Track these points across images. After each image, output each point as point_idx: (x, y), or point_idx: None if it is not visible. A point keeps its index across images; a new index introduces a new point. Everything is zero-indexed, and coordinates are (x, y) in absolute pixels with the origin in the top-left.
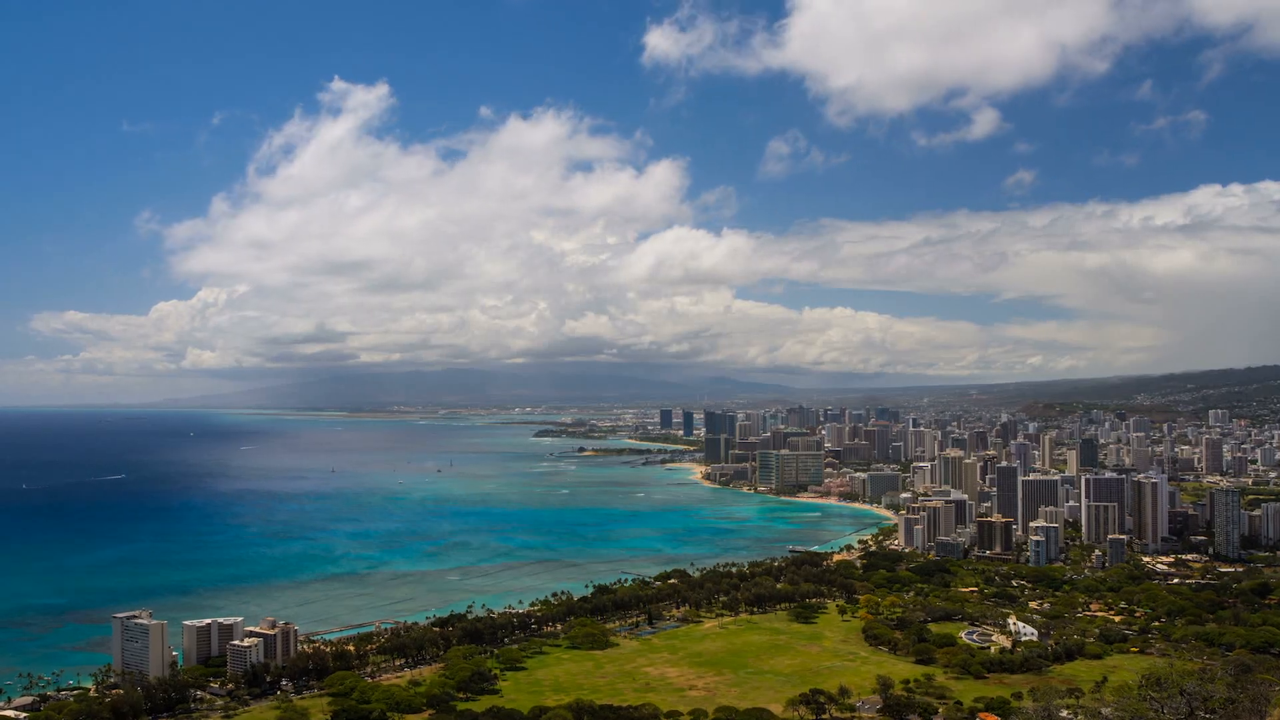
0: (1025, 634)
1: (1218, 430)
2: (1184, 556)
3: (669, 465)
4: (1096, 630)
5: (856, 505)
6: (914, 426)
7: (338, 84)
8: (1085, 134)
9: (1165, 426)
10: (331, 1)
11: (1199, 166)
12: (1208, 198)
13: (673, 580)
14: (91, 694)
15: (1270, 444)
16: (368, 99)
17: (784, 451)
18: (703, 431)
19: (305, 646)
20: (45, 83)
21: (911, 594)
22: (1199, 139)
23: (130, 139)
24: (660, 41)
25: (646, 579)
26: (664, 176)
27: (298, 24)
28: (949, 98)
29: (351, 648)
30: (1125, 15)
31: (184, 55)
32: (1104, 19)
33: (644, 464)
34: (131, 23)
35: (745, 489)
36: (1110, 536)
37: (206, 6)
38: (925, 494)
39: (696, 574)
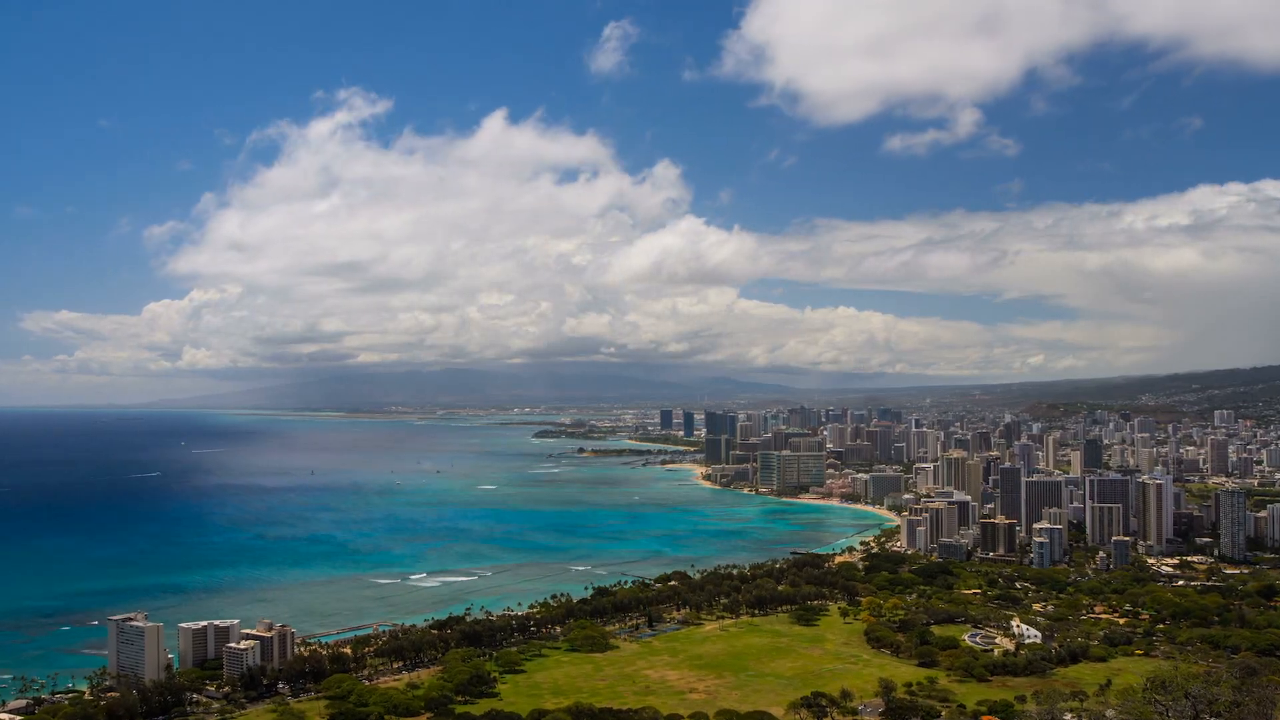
0: (1029, 636)
1: (1223, 431)
2: (1189, 558)
3: (669, 466)
4: (1101, 633)
5: (858, 506)
6: (916, 427)
7: (329, 85)
8: (1074, 136)
9: (1170, 427)
10: (324, 4)
11: (1196, 166)
12: (1210, 197)
13: (673, 582)
14: (86, 697)
15: (1277, 444)
16: (360, 101)
17: (785, 452)
18: (703, 432)
19: (302, 649)
20: (31, 79)
21: (914, 596)
22: (1191, 139)
23: (121, 137)
24: (639, 48)
25: (646, 581)
26: (662, 178)
27: (289, 24)
28: (931, 103)
29: (349, 650)
30: (1081, 24)
31: (174, 54)
32: (1061, 28)
33: (644, 465)
34: (121, 21)
35: (746, 490)
36: (1114, 538)
37: (196, 7)
38: (928, 495)
39: (697, 576)
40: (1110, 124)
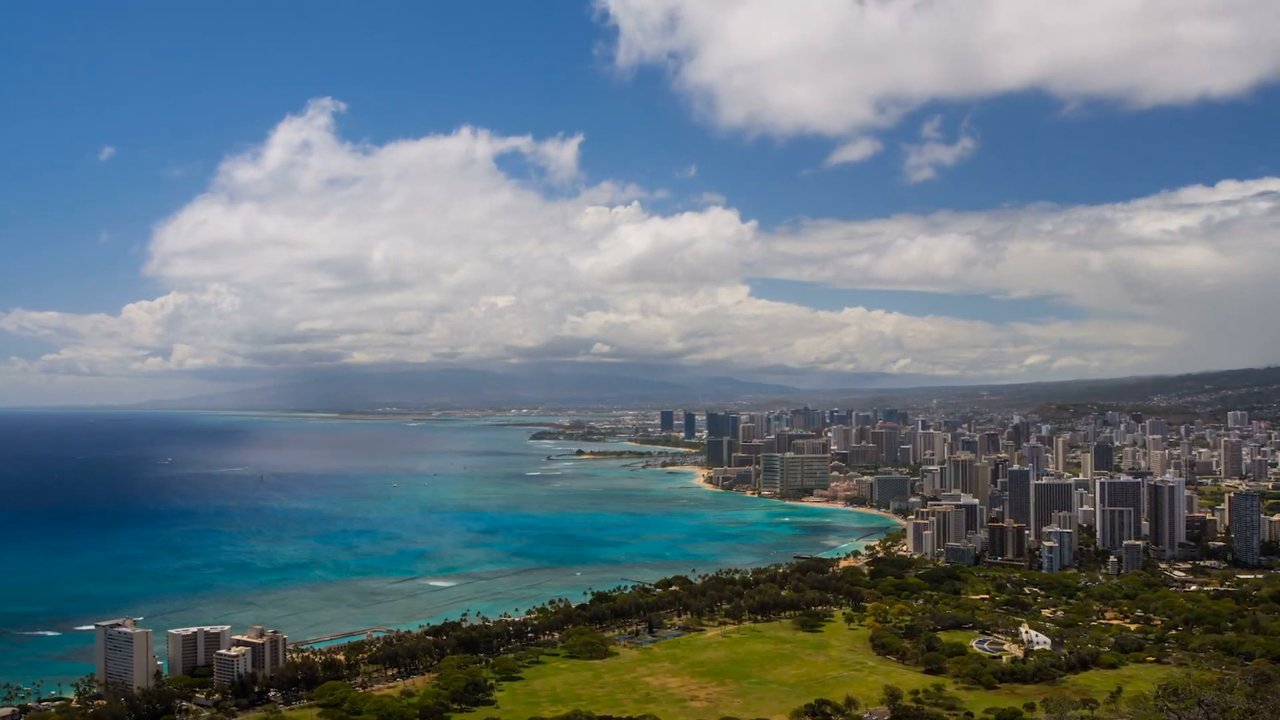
0: (1038, 643)
1: (1237, 432)
2: (1202, 563)
3: (670, 468)
4: (1111, 639)
5: (863, 510)
6: (923, 428)
7: (314, 83)
8: (1071, 137)
9: (1182, 428)
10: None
11: (1197, 165)
12: (1220, 195)
13: (674, 587)
14: (74, 704)
15: None
16: (348, 100)
17: (788, 454)
18: (704, 433)
19: (294, 656)
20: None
21: (920, 601)
22: (1186, 139)
23: (99, 135)
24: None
25: (647, 586)
26: (661, 178)
27: (274, 21)
28: (928, 107)
29: (342, 657)
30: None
31: (154, 50)
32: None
33: (644, 467)
34: (99, 17)
35: (749, 493)
36: (1126, 542)
37: (181, 6)
38: (935, 498)
39: (698, 581)
40: (1114, 122)
